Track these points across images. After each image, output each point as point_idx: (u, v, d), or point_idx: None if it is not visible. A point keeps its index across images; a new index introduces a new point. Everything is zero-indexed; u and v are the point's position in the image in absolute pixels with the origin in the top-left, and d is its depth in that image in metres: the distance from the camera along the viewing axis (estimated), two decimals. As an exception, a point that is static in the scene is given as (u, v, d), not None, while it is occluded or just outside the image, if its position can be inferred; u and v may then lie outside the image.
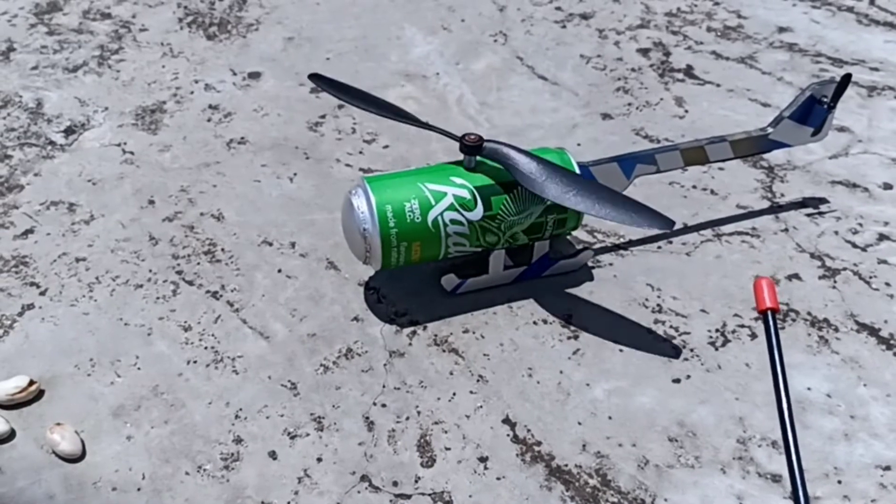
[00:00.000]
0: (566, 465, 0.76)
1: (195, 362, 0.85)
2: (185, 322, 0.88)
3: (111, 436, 0.78)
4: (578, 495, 0.74)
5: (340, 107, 1.16)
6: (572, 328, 0.88)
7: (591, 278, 0.93)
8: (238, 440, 0.78)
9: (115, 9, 1.35)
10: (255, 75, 1.22)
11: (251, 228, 0.99)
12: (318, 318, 0.89)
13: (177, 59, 1.25)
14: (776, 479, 0.75)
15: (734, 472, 0.76)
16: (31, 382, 0.81)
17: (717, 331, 0.87)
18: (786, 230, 0.98)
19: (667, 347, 0.86)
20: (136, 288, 0.92)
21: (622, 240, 0.97)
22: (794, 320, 0.88)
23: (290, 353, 0.86)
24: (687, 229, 0.99)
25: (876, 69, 1.21)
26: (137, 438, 0.78)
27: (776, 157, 1.07)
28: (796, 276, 0.93)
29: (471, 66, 1.24)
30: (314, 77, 0.96)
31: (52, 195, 1.03)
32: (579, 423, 0.80)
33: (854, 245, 0.96)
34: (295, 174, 1.06)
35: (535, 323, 0.88)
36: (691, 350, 0.86)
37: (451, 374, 0.84)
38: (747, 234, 0.98)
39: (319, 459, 0.77)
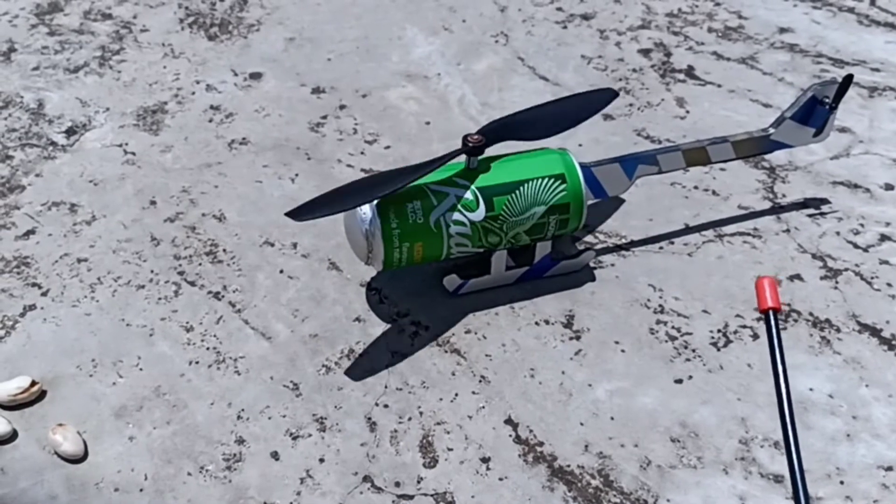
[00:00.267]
0: (568, 466, 0.76)
1: (197, 363, 0.85)
2: (187, 323, 0.88)
3: (113, 436, 0.78)
4: (581, 496, 0.74)
5: (342, 107, 1.16)
6: (574, 329, 0.88)
7: (592, 279, 0.93)
8: (240, 441, 0.78)
9: (116, 9, 1.35)
10: (256, 76, 1.22)
11: (253, 229, 0.99)
12: (319, 319, 0.89)
13: (178, 59, 1.25)
14: (778, 479, 0.75)
15: (736, 472, 0.76)
16: (33, 383, 0.81)
17: (719, 331, 0.87)
18: (787, 231, 0.98)
19: (669, 348, 0.86)
20: (138, 288, 0.92)
21: (624, 240, 0.97)
22: (795, 321, 0.88)
23: (292, 353, 0.86)
24: (689, 230, 0.99)
25: (877, 70, 1.21)
26: (140, 439, 0.78)
27: (778, 157, 1.07)
28: (798, 277, 0.93)
29: (472, 66, 1.24)
30: (292, 214, 0.81)
31: (53, 196, 1.03)
32: (581, 424, 0.80)
33: (856, 246, 0.96)
34: (296, 175, 1.06)
35: (537, 323, 0.88)
36: (693, 350, 0.86)
37: (454, 374, 0.84)
38: (749, 234, 0.98)
39: (322, 460, 0.77)
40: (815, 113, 0.96)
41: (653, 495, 0.74)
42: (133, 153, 1.09)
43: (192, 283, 0.93)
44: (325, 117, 1.15)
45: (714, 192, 1.03)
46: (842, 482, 0.75)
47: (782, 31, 1.30)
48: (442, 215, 0.84)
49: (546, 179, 0.86)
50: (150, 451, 0.77)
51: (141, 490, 0.74)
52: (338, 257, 0.95)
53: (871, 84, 1.19)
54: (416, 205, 0.84)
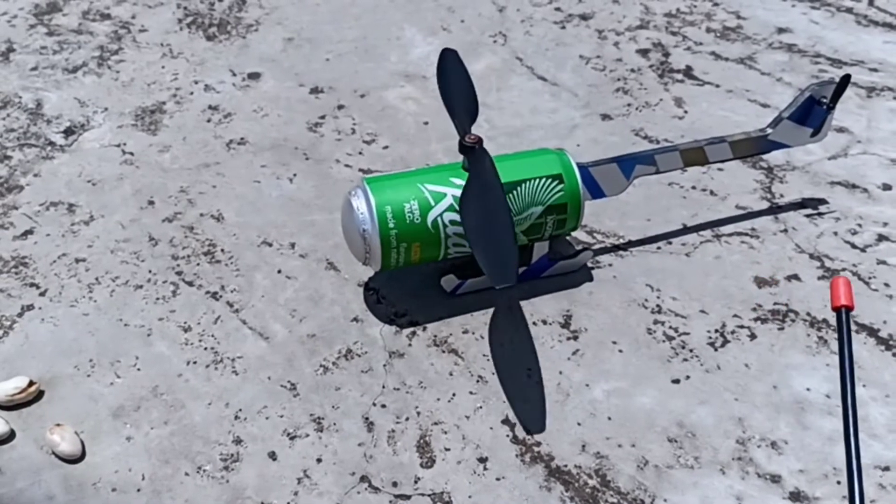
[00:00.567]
0: (566, 466, 0.76)
1: (195, 363, 0.85)
2: (185, 323, 0.88)
3: (111, 436, 0.78)
4: (578, 496, 0.74)
5: (340, 107, 1.16)
6: (572, 329, 0.88)
7: (590, 279, 0.93)
8: (238, 441, 0.78)
9: (115, 9, 1.35)
10: (254, 76, 1.22)
11: (251, 229, 0.99)
12: (317, 319, 0.89)
13: (176, 59, 1.25)
14: (775, 479, 0.75)
15: (733, 472, 0.76)
16: (31, 383, 0.81)
17: (716, 331, 0.87)
18: (785, 231, 0.98)
19: (666, 348, 0.86)
20: (136, 289, 0.92)
21: (622, 240, 0.97)
22: (793, 321, 0.88)
23: (290, 353, 0.86)
24: (686, 230, 0.99)
25: (875, 70, 1.21)
26: (137, 439, 0.78)
27: (775, 157, 1.07)
28: (795, 277, 0.93)
29: (470, 66, 1.23)
30: (446, 51, 0.93)
31: (51, 196, 1.03)
32: (579, 424, 0.80)
33: (853, 246, 0.96)
34: (295, 175, 1.06)
35: (534, 323, 0.88)
36: (691, 351, 0.86)
37: (451, 374, 0.84)
38: (747, 234, 0.98)
39: (319, 460, 0.77)
40: (812, 113, 0.96)
41: (650, 495, 0.74)
42: (131, 153, 1.10)
43: (190, 284, 0.93)
44: (323, 117, 1.15)
45: (712, 193, 1.03)
46: (839, 482, 0.75)
47: (780, 31, 1.30)
48: (439, 216, 0.84)
49: (543, 179, 0.86)
50: (147, 451, 0.77)
51: (138, 490, 0.75)
52: (336, 257, 0.95)
53: (870, 84, 1.19)
54: (414, 205, 0.84)
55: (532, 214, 0.86)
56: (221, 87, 1.20)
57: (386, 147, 1.10)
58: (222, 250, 0.96)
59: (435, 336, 0.87)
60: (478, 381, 0.83)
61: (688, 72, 1.22)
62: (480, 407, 0.81)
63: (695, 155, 0.94)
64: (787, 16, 1.33)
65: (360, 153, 1.10)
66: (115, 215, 1.01)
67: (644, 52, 1.26)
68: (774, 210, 1.01)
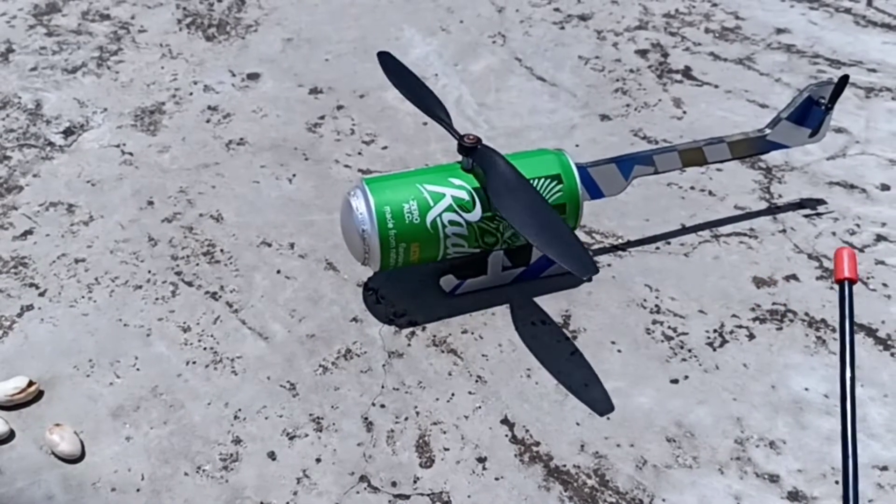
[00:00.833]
0: (564, 466, 0.76)
1: (194, 363, 0.85)
2: (185, 323, 0.89)
3: (110, 436, 0.79)
4: (577, 495, 0.74)
5: (339, 108, 1.17)
6: (570, 329, 0.88)
7: (589, 279, 0.93)
8: (237, 441, 0.78)
9: (114, 10, 1.36)
10: (253, 76, 1.22)
11: (250, 229, 0.99)
12: (317, 319, 0.89)
13: (176, 60, 1.25)
14: (773, 479, 0.75)
15: (732, 472, 0.76)
16: (31, 383, 0.81)
17: (715, 331, 0.88)
18: (783, 231, 0.99)
19: (665, 348, 0.86)
20: (136, 289, 0.92)
21: (620, 240, 0.98)
22: (791, 321, 0.88)
23: (289, 353, 0.86)
24: (685, 230, 0.99)
25: (873, 70, 1.22)
26: (136, 439, 0.78)
27: (774, 158, 1.07)
28: (794, 277, 0.93)
29: (469, 67, 1.24)
30: (382, 55, 0.99)
31: (51, 196, 1.03)
32: (578, 424, 0.80)
33: (851, 246, 0.96)
34: (294, 175, 1.06)
35: (533, 323, 0.89)
36: (689, 351, 0.86)
37: (450, 374, 0.84)
38: (745, 234, 0.98)
39: (318, 460, 0.77)
40: (811, 113, 0.96)
41: (648, 495, 0.74)
42: (131, 153, 1.10)
43: (190, 284, 0.93)
44: (322, 118, 1.15)
45: (710, 193, 1.03)
46: (837, 482, 0.75)
47: (779, 31, 1.30)
48: (438, 216, 0.84)
49: (542, 180, 0.86)
50: (146, 451, 0.78)
51: (138, 490, 0.75)
52: (335, 258, 0.95)
53: (868, 85, 1.19)
54: (413, 205, 0.84)
55: (531, 215, 0.86)
56: (221, 88, 1.20)
57: (385, 147, 1.11)
58: (222, 250, 0.97)
59: (434, 336, 0.87)
60: (477, 381, 0.83)
61: (686, 72, 1.22)
62: (479, 407, 0.81)
63: (693, 155, 0.94)
64: (786, 16, 1.33)
65: (360, 153, 1.10)
66: (115, 215, 1.01)
67: (643, 53, 1.26)
68: (773, 210, 1.01)
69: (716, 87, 1.20)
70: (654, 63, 1.24)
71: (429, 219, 0.84)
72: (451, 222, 0.85)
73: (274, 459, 0.77)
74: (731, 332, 0.88)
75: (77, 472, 0.76)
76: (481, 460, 0.77)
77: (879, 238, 0.97)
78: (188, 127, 1.14)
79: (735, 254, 0.96)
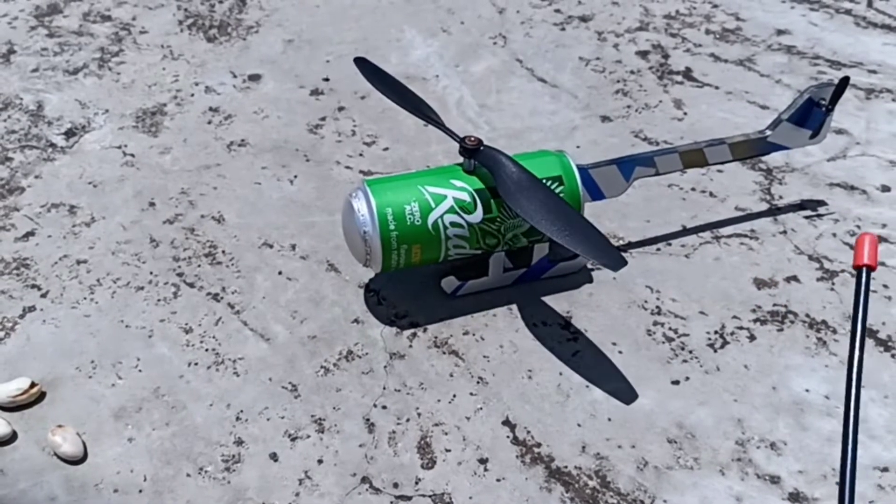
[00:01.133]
0: (566, 467, 0.77)
1: (196, 364, 0.85)
2: (186, 324, 0.89)
3: (112, 438, 0.79)
4: (578, 497, 0.74)
5: (340, 109, 1.17)
6: (572, 330, 0.88)
7: (590, 280, 0.93)
8: (239, 442, 0.78)
9: (116, 11, 1.36)
10: (255, 77, 1.23)
11: (252, 230, 0.99)
12: (318, 320, 0.89)
13: (177, 61, 1.25)
14: (775, 480, 0.75)
15: (733, 473, 0.76)
16: (33, 384, 0.81)
17: (715, 332, 0.88)
18: (784, 232, 0.99)
19: (666, 349, 0.86)
20: (137, 290, 0.92)
21: (621, 242, 0.98)
22: (792, 322, 0.89)
23: (291, 354, 0.86)
24: (686, 231, 0.99)
25: (874, 71, 1.22)
26: (139, 440, 0.78)
27: (775, 159, 1.07)
28: (794, 278, 0.93)
29: (470, 68, 1.24)
30: (359, 60, 1.00)
31: (52, 197, 1.04)
32: (579, 425, 0.80)
33: (852, 247, 0.97)
34: (295, 176, 1.07)
35: (534, 325, 0.89)
36: (690, 352, 0.86)
37: (452, 375, 0.84)
38: (746, 236, 0.98)
39: (320, 461, 0.77)
40: (811, 115, 0.96)
41: (650, 496, 0.74)
42: (132, 155, 1.10)
43: (191, 285, 0.93)
44: (323, 119, 1.15)
45: (711, 194, 1.04)
46: (838, 483, 0.75)
47: (780, 32, 1.30)
48: (440, 217, 0.84)
49: (544, 181, 0.86)
50: (149, 452, 0.78)
51: (140, 491, 0.75)
52: (336, 259, 0.96)
53: (868, 86, 1.19)
54: (414, 207, 0.84)
55: (532, 216, 0.86)
56: (222, 89, 1.20)
57: (386, 149, 1.11)
58: (223, 252, 0.97)
59: (435, 337, 0.88)
60: (478, 383, 0.84)
61: (687, 73, 1.23)
62: (481, 408, 0.81)
63: (694, 157, 0.95)
64: (787, 17, 1.33)
65: (361, 155, 1.10)
66: (117, 217, 1.01)
67: (643, 54, 1.26)
68: (774, 211, 1.01)
69: (716, 88, 1.20)
70: (654, 64, 1.24)
71: (430, 220, 0.84)
72: (453, 224, 0.85)
73: (276, 460, 0.77)
74: (732, 334, 0.88)
75: (79, 474, 0.76)
76: (483, 461, 0.77)
77: (880, 239, 0.97)
78: (189, 128, 1.14)
79: (736, 255, 0.96)
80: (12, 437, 0.79)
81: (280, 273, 0.94)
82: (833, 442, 0.78)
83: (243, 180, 1.06)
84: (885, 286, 0.92)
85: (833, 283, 0.92)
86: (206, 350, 0.86)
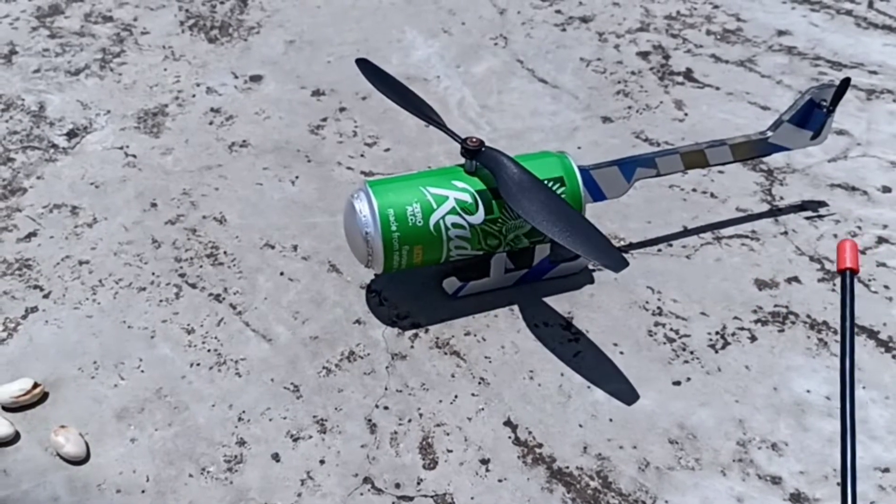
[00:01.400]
0: (567, 467, 0.77)
1: (198, 365, 0.85)
2: (188, 325, 0.89)
3: (115, 438, 0.79)
4: (580, 497, 0.75)
5: (342, 110, 1.17)
6: (573, 331, 0.88)
7: (591, 281, 0.93)
8: (241, 442, 0.79)
9: (117, 12, 1.36)
10: (256, 78, 1.23)
11: (253, 231, 1.00)
12: (320, 321, 0.89)
13: (178, 62, 1.26)
14: (776, 480, 0.76)
15: (734, 474, 0.76)
16: (36, 385, 0.81)
17: (717, 333, 0.88)
18: (785, 233, 0.99)
19: (667, 350, 0.86)
20: (139, 291, 0.92)
21: (622, 243, 0.98)
22: (793, 323, 0.89)
23: (293, 355, 0.86)
24: (687, 232, 0.99)
25: (875, 72, 1.22)
26: (141, 441, 0.79)
27: (776, 160, 1.07)
28: (796, 279, 0.93)
29: (471, 69, 1.24)
30: (361, 62, 0.99)
31: (54, 198, 1.04)
32: (580, 426, 0.80)
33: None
34: (297, 177, 1.07)
35: (536, 325, 0.89)
36: (691, 353, 0.86)
37: (453, 376, 0.84)
38: (747, 237, 0.98)
39: (322, 461, 0.77)
40: (812, 116, 0.96)
41: (651, 496, 0.75)
42: (134, 155, 1.10)
43: (193, 286, 0.93)
44: (325, 120, 1.16)
45: (712, 195, 1.04)
46: (839, 483, 0.75)
47: (780, 33, 1.30)
48: (441, 218, 0.84)
49: (545, 182, 0.86)
50: (151, 452, 0.78)
51: (143, 491, 0.75)
52: (338, 260, 0.96)
53: (869, 87, 1.19)
54: (416, 208, 0.84)
55: (534, 217, 0.86)
56: (223, 90, 1.21)
57: (387, 149, 1.11)
58: (225, 252, 0.97)
59: (437, 338, 0.88)
60: (480, 383, 0.84)
61: (688, 74, 1.23)
62: (482, 409, 0.82)
63: (695, 158, 0.95)
64: (787, 18, 1.33)
65: (362, 155, 1.10)
66: (118, 217, 1.01)
67: (644, 55, 1.27)
68: (775, 212, 1.01)
69: (717, 89, 1.20)
70: (655, 65, 1.25)
71: (432, 221, 0.84)
72: (454, 225, 0.85)
73: (278, 461, 0.77)
74: (733, 335, 0.88)
75: (82, 474, 0.76)
76: (484, 462, 0.77)
77: (881, 240, 0.98)
78: (191, 129, 1.14)
79: (737, 256, 0.96)
80: (15, 437, 0.79)
81: (282, 274, 0.94)
82: (834, 443, 0.78)
83: (245, 181, 1.06)
84: (887, 287, 0.92)
85: (834, 284, 0.93)
86: (209, 351, 0.86)
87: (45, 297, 0.92)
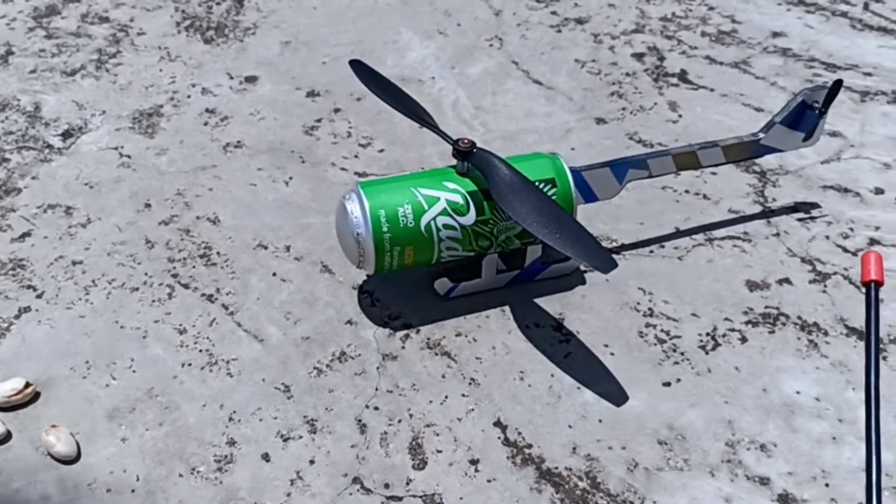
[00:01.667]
0: (556, 468, 0.77)
1: (190, 365, 0.85)
2: (180, 325, 0.89)
3: (106, 438, 0.79)
4: (568, 498, 0.75)
5: (336, 111, 1.17)
6: (564, 332, 0.89)
7: (583, 282, 0.94)
8: (231, 442, 0.79)
9: (113, 12, 1.36)
10: (251, 79, 1.23)
11: (246, 232, 1.00)
12: (312, 322, 0.90)
13: (174, 62, 1.26)
14: (764, 481, 0.76)
15: (722, 474, 0.76)
16: (28, 384, 0.82)
17: (707, 335, 0.88)
18: (777, 235, 0.99)
19: (657, 351, 0.87)
20: (132, 291, 0.93)
21: (614, 244, 0.98)
22: (784, 324, 0.89)
23: (284, 356, 0.86)
24: (679, 234, 0.99)
25: (869, 74, 1.22)
26: (132, 440, 0.79)
27: (768, 161, 1.08)
28: (787, 281, 0.93)
29: (466, 70, 1.25)
30: (354, 63, 1.00)
31: (49, 198, 1.04)
32: (570, 426, 0.80)
33: (845, 249, 0.97)
34: (290, 178, 1.07)
35: (527, 326, 0.89)
36: (682, 354, 0.86)
37: (444, 377, 0.85)
38: (739, 238, 0.99)
39: (312, 461, 0.78)
40: (804, 118, 0.96)
41: (639, 497, 0.75)
42: (128, 156, 1.10)
43: (186, 286, 0.93)
44: (319, 121, 1.16)
45: (705, 196, 1.04)
46: (827, 484, 0.75)
47: (775, 35, 1.30)
48: (432, 219, 0.85)
49: (537, 184, 0.86)
50: (142, 452, 0.78)
51: (133, 491, 0.75)
52: (330, 260, 0.96)
53: (863, 88, 1.20)
54: (407, 209, 0.84)
55: (525, 218, 0.87)
56: (218, 91, 1.21)
57: (381, 151, 1.11)
58: (218, 253, 0.97)
59: (428, 339, 0.88)
60: (470, 384, 0.84)
61: (682, 76, 1.23)
62: (472, 409, 0.82)
63: (687, 159, 0.95)
64: (782, 20, 1.34)
65: (356, 156, 1.10)
66: (112, 218, 1.01)
67: (639, 56, 1.27)
68: (767, 214, 1.02)
69: (711, 90, 1.20)
70: (650, 66, 1.25)
71: (423, 222, 0.85)
72: (446, 226, 0.85)
73: (268, 461, 0.78)
74: (724, 336, 0.88)
75: (73, 473, 0.77)
76: (474, 462, 0.77)
77: (873, 242, 0.98)
78: (186, 129, 1.14)
79: (729, 257, 0.96)
80: (6, 436, 0.79)
81: (274, 274, 0.95)
82: (823, 443, 0.78)
83: (239, 182, 1.07)
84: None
85: (825, 286, 0.93)
86: (200, 351, 0.87)
87: (39, 297, 0.92)
